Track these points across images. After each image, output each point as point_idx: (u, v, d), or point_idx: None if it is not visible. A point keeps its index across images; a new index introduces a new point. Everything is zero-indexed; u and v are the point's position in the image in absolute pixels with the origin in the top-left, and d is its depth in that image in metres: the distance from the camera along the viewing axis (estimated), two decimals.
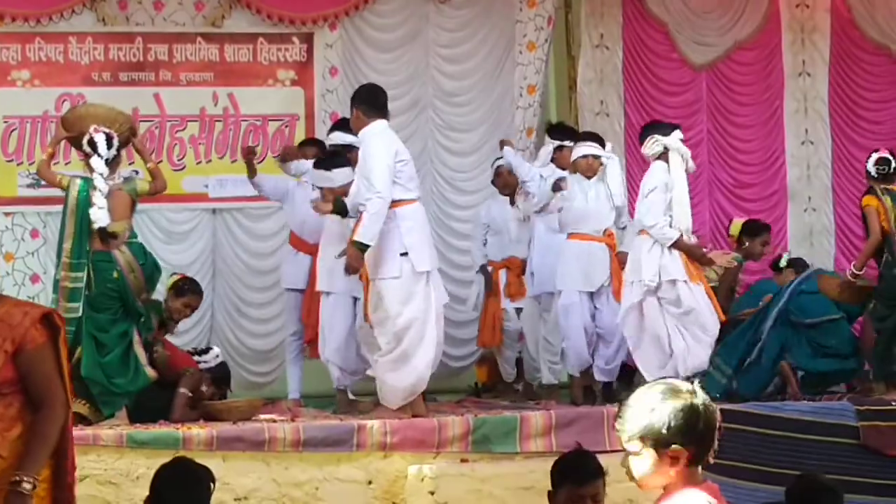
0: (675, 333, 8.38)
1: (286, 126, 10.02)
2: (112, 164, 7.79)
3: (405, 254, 7.89)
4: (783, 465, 7.86)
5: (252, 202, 9.97)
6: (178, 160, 9.79)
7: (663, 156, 8.47)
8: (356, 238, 7.83)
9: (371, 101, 8.09)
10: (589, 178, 8.92)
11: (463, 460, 7.74)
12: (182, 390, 8.08)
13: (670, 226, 8.32)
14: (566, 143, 9.30)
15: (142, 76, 9.48)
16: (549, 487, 4.99)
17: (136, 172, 8.76)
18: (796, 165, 11.16)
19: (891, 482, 8.24)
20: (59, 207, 9.06)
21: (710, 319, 8.39)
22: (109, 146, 7.73)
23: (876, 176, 9.33)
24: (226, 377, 8.63)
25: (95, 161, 7.69)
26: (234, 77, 9.84)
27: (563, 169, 9.20)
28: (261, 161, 9.80)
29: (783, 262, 9.88)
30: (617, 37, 10.75)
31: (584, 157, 8.95)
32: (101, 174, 7.69)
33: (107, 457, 7.24)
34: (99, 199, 7.65)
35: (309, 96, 10.03)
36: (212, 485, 4.93)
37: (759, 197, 10.91)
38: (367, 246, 7.80)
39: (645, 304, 8.39)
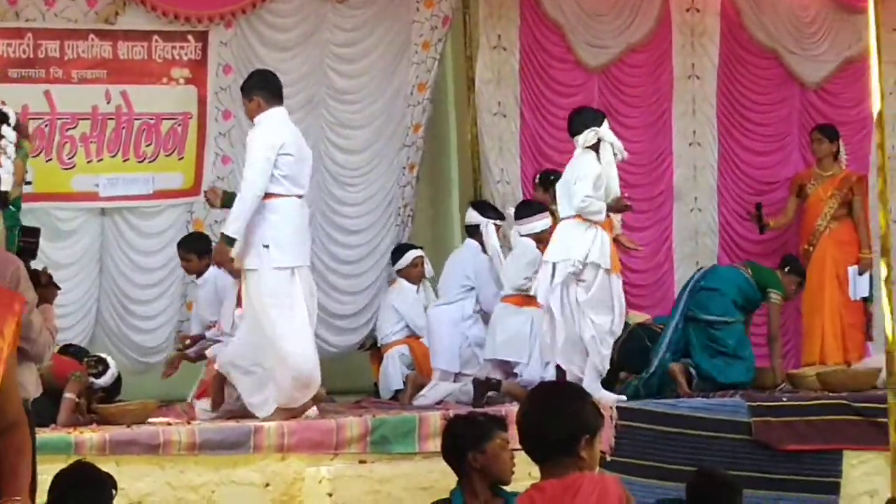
0: (585, 322, 8.56)
1: (179, 125, 9.90)
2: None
3: (267, 246, 7.90)
4: (678, 462, 7.97)
5: (143, 200, 9.84)
6: (69, 158, 9.58)
7: (594, 146, 8.66)
8: (223, 230, 7.94)
9: (270, 88, 8.17)
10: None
11: (361, 461, 7.74)
12: (68, 395, 7.96)
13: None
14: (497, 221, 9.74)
15: (32, 73, 9.28)
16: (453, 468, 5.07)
17: None
18: (683, 166, 11.30)
19: (783, 476, 8.42)
20: None
21: (615, 316, 8.62)
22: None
23: None
24: (118, 390, 8.52)
25: (6, 130, 8.01)
26: (128, 75, 9.65)
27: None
28: (154, 160, 9.79)
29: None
30: (514, 38, 10.77)
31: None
32: (11, 142, 8.00)
33: None
34: (7, 164, 7.95)
35: (202, 94, 9.90)
36: (114, 491, 4.87)
37: (646, 196, 11.02)
38: (232, 239, 7.84)
39: (566, 291, 8.55)
